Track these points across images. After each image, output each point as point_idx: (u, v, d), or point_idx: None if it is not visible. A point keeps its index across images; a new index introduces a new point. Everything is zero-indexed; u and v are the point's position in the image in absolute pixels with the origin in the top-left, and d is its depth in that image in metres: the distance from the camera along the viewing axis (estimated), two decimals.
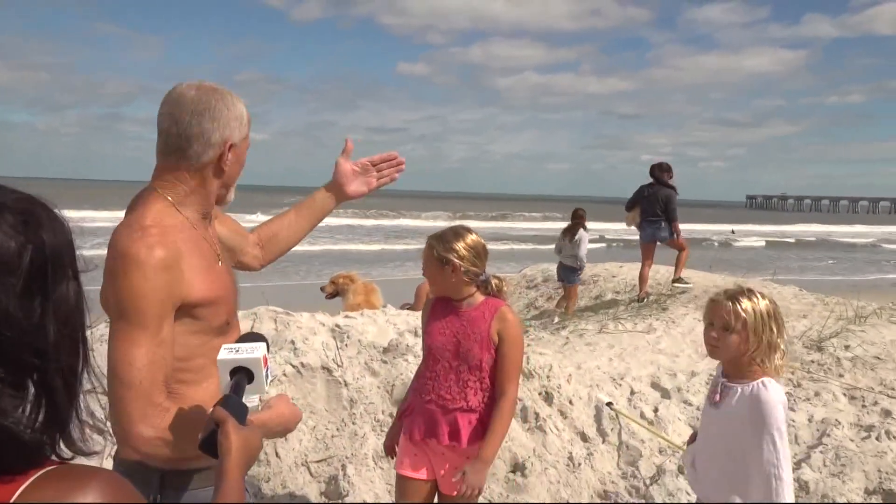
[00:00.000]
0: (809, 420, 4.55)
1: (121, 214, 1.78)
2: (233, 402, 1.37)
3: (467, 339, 2.56)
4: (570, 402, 4.46)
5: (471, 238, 2.60)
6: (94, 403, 0.95)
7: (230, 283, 1.73)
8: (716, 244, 35.36)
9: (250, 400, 1.44)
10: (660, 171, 9.00)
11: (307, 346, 4.10)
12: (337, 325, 4.42)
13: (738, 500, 2.28)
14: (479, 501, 3.57)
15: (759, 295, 2.33)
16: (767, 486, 2.22)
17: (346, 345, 4.21)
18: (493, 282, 2.63)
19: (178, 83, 1.66)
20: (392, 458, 2.85)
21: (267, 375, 1.48)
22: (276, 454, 3.55)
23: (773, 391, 2.28)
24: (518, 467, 3.82)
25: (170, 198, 1.63)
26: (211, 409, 1.38)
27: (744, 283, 2.81)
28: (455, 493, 2.57)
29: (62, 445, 0.89)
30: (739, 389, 2.32)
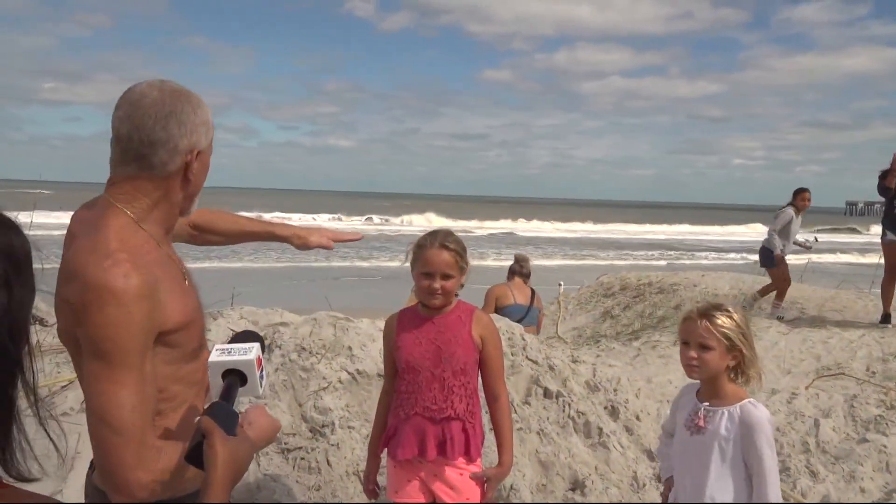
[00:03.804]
0: None
1: None
2: (221, 410, 1.28)
3: (448, 343, 2.51)
4: (638, 418, 4.24)
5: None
6: (30, 427, 0.89)
7: (198, 303, 1.59)
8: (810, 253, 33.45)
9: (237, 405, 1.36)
10: None
11: (364, 353, 4.05)
12: None
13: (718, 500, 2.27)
14: None
15: (730, 309, 2.35)
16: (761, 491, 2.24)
17: None
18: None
19: (136, 83, 1.48)
20: (375, 499, 2.77)
21: (261, 377, 1.38)
22: (328, 462, 3.50)
23: (762, 409, 2.32)
24: (577, 485, 3.64)
25: (130, 213, 1.46)
26: (198, 418, 1.30)
27: (715, 300, 2.90)
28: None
29: None
30: (726, 412, 2.29)
